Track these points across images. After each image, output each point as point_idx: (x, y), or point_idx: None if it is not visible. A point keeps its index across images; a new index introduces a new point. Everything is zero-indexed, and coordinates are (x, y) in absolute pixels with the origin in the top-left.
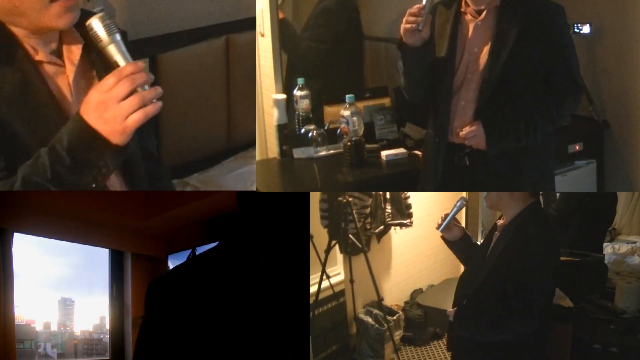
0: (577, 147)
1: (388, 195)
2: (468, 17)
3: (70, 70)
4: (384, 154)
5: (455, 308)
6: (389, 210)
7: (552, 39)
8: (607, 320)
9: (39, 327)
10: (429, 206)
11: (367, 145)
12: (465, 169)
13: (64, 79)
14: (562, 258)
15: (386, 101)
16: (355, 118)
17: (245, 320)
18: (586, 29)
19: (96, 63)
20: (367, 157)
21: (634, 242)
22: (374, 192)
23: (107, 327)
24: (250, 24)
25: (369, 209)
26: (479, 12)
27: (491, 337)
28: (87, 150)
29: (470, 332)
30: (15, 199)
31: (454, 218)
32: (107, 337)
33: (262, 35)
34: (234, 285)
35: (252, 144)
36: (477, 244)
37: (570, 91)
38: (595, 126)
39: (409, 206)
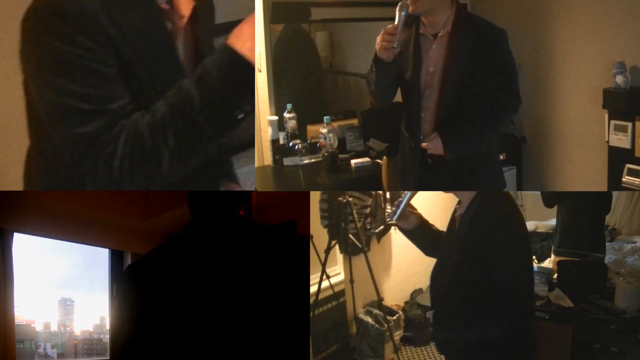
0: (501, 157)
1: (388, 195)
2: (425, 39)
3: (181, 22)
4: (353, 162)
5: (434, 310)
6: (389, 210)
7: (499, 59)
8: (607, 320)
9: (39, 327)
10: (429, 206)
11: (340, 155)
12: (429, 168)
13: (176, 29)
14: (562, 258)
15: (355, 121)
16: (331, 134)
17: (245, 321)
18: None
19: (199, 20)
20: (340, 164)
21: (634, 242)
22: (374, 192)
23: (107, 327)
24: None
25: (369, 209)
26: (434, 36)
27: (470, 336)
28: (236, 80)
29: (449, 334)
30: (15, 199)
31: (408, 204)
32: (107, 337)
33: (260, 71)
34: (234, 286)
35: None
36: (439, 231)
37: (514, 104)
38: (516, 140)
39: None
